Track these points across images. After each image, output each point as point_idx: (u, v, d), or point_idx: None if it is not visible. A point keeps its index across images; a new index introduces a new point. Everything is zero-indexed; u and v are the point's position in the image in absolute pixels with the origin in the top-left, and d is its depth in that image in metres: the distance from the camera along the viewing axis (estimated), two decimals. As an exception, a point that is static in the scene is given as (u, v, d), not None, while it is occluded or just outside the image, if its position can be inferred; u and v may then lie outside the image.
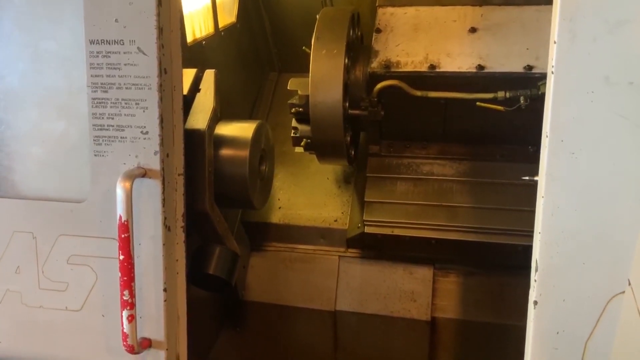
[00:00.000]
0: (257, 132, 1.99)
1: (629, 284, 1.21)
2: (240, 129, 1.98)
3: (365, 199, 2.29)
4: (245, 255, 2.45)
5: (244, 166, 1.92)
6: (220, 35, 2.39)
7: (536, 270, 1.33)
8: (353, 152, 2.31)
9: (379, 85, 2.03)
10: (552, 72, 1.27)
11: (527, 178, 1.50)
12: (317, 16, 2.13)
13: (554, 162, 1.29)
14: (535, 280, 1.33)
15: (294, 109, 2.13)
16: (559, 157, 1.28)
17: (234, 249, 2.02)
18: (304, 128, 2.15)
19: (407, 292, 2.33)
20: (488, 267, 2.29)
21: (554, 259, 1.32)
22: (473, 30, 2.05)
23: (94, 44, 1.49)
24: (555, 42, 1.26)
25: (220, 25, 2.41)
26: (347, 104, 2.10)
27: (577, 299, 1.30)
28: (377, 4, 2.19)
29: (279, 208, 2.51)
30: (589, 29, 1.23)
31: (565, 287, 1.31)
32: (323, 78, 2.04)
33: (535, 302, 1.32)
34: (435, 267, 2.33)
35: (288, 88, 2.15)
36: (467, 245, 2.19)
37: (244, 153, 1.92)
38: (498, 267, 2.28)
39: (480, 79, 1.96)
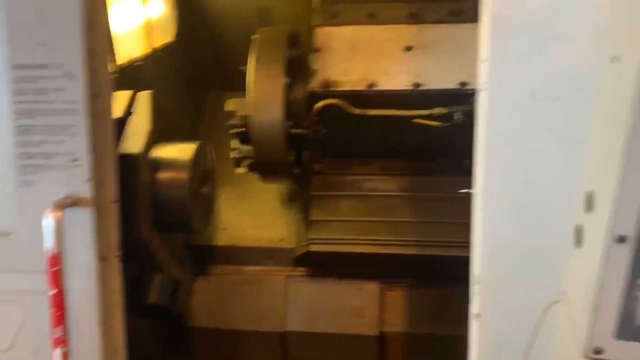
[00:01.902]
0: (198, 153, 1.95)
1: (563, 293, 1.25)
2: (180, 151, 1.94)
3: (310, 218, 2.28)
4: (189, 280, 2.38)
5: (184, 189, 1.87)
6: (157, 55, 2.34)
7: (475, 283, 1.35)
8: (298, 171, 2.31)
9: (318, 105, 2.04)
10: (482, 89, 1.30)
11: (465, 191, 1.53)
12: (255, 36, 2.13)
13: (487, 176, 1.32)
14: (474, 294, 1.36)
15: (234, 130, 2.10)
16: (492, 172, 1.31)
17: (176, 275, 1.96)
18: (245, 148, 2.13)
19: (355, 308, 2.33)
20: (434, 279, 2.32)
21: (492, 271, 1.34)
22: (409, 48, 2.10)
23: (18, 68, 1.42)
24: (484, 60, 1.29)
25: (158, 44, 2.36)
26: (289, 123, 2.10)
27: (516, 310, 1.33)
28: (314, 24, 2.21)
29: (224, 229, 2.47)
30: (517, 46, 1.27)
31: (504, 300, 1.34)
32: (264, 98, 2.03)
33: (476, 315, 1.34)
34: (382, 282, 2.35)
35: (225, 109, 2.13)
36: (411, 258, 2.22)
37: (184, 175, 1.88)
38: (443, 278, 2.31)
39: (416, 97, 2.01)
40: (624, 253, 0.91)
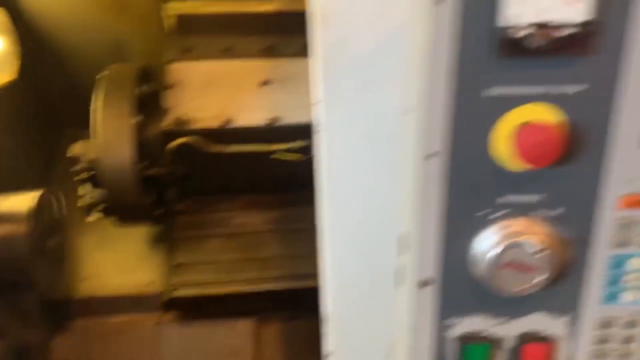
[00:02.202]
0: (40, 203, 1.79)
1: (401, 330, 1.28)
2: (17, 202, 1.77)
3: (174, 261, 2.19)
4: (43, 340, 2.18)
5: (23, 245, 1.70)
6: (-6, 96, 2.15)
7: (326, 321, 1.35)
8: (160, 212, 2.21)
9: (173, 144, 1.97)
10: (319, 130, 1.31)
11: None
12: (101, 74, 2.02)
13: (329, 214, 1.33)
14: (326, 332, 1.36)
15: (81, 174, 1.97)
16: (334, 210, 1.32)
17: (24, 338, 1.78)
18: (96, 193, 2.00)
19: (229, 348, 2.25)
20: (308, 311, 2.31)
21: (340, 309, 1.35)
22: (265, 82, 2.10)
23: None
24: (318, 102, 1.31)
25: (-6, 84, 2.16)
26: (143, 164, 2.00)
27: (367, 348, 1.34)
28: (166, 60, 2.14)
29: (84, 279, 2.29)
30: (348, 88, 1.30)
31: (354, 337, 1.34)
32: (112, 139, 1.92)
33: (328, 354, 1.34)
34: (257, 318, 2.29)
35: (68, 155, 1.99)
36: (284, 293, 2.19)
37: (22, 230, 1.71)
38: (317, 309, 2.31)
39: (274, 131, 2.00)
40: (429, 296, 0.93)
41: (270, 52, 2.18)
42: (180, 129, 1.99)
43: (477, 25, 0.78)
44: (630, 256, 0.89)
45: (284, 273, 2.17)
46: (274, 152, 2.01)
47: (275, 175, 2.17)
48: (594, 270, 0.90)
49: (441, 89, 0.82)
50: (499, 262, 0.86)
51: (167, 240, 2.33)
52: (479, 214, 0.88)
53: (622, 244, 0.88)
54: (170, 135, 1.99)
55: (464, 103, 0.83)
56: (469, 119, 0.83)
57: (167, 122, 2.00)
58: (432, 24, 0.78)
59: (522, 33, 0.77)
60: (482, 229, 0.88)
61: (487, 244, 0.87)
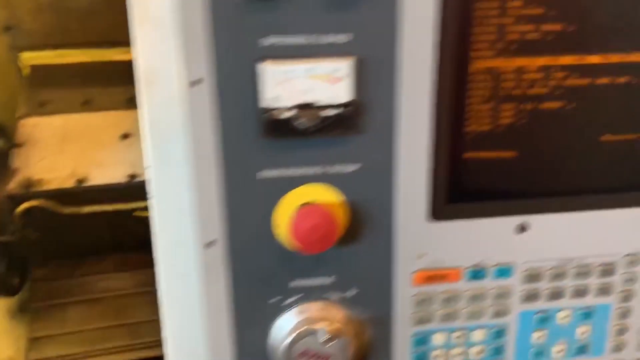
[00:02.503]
0: None
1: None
2: None
3: (34, 334, 1.99)
4: None
5: None
6: None
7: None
8: (16, 281, 2.01)
9: (20, 208, 1.81)
10: (151, 197, 1.23)
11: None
12: None
13: (168, 285, 1.24)
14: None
15: None
16: (172, 280, 1.23)
17: None
18: None
19: None
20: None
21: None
22: (125, 136, 1.99)
23: None
24: (148, 167, 1.22)
25: None
26: (-11, 231, 1.83)
27: None
28: (17, 115, 1.99)
29: None
30: (175, 153, 1.23)
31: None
32: (-53, 207, 1.74)
33: None
34: (134, 390, 2.13)
35: None
36: None
37: None
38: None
39: (133, 188, 1.88)
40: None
41: (133, 104, 2.07)
42: (28, 191, 1.84)
43: (239, 107, 0.73)
44: (434, 332, 0.86)
45: (157, 338, 2.02)
46: (135, 209, 1.89)
47: (139, 234, 2.04)
48: (400, 350, 0.86)
49: (211, 172, 0.77)
50: (292, 353, 0.80)
51: (26, 311, 2.13)
52: (272, 300, 0.82)
53: (423, 320, 0.85)
54: (18, 198, 1.83)
55: (238, 186, 0.77)
56: (246, 202, 0.78)
57: (13, 185, 1.84)
58: (188, 106, 0.72)
59: (286, 114, 0.73)
60: (278, 317, 0.82)
61: (282, 332, 0.81)
